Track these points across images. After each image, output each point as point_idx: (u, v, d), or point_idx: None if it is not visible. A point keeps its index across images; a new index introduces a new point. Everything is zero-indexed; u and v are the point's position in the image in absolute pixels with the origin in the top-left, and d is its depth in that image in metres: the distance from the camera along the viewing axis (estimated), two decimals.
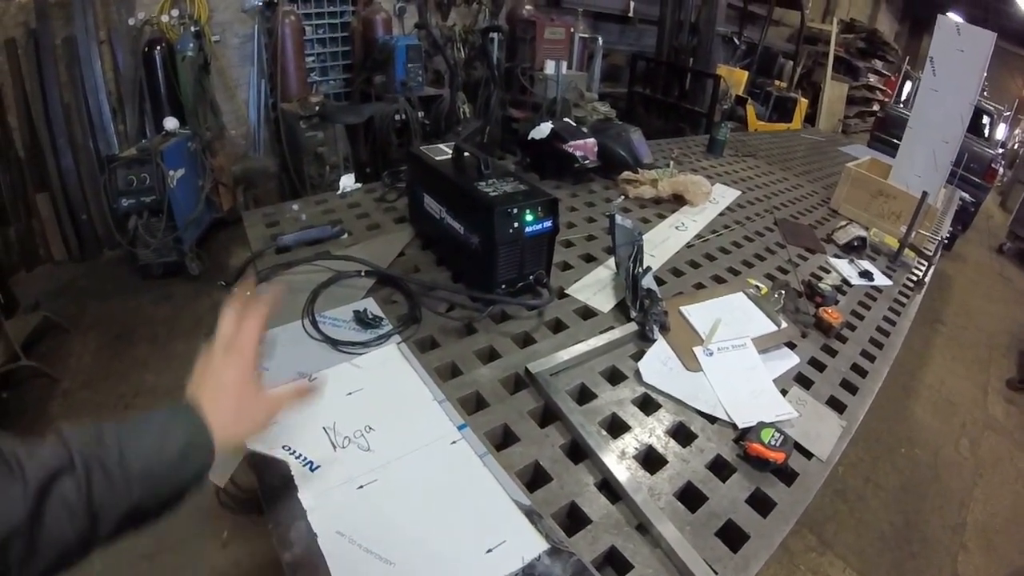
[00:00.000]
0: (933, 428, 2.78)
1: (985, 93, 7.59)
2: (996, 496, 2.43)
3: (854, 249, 1.62)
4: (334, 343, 0.90)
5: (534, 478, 0.75)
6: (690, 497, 0.74)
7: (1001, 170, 7.06)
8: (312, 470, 0.68)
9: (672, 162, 1.95)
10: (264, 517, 0.63)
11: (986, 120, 6.25)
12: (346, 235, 1.26)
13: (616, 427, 0.84)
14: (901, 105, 7.95)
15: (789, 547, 1.91)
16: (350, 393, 0.80)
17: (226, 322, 0.58)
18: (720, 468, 0.80)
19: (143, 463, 0.44)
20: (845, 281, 1.43)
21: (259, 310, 0.59)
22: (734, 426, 0.86)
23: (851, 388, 1.03)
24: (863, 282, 1.44)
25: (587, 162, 1.69)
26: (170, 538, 1.61)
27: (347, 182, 1.50)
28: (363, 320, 0.96)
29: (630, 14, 5.95)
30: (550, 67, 4.01)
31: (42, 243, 2.92)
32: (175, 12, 3.05)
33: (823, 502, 2.13)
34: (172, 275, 2.82)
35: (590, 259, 1.30)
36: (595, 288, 1.16)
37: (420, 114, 3.46)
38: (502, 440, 0.79)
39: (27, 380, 2.08)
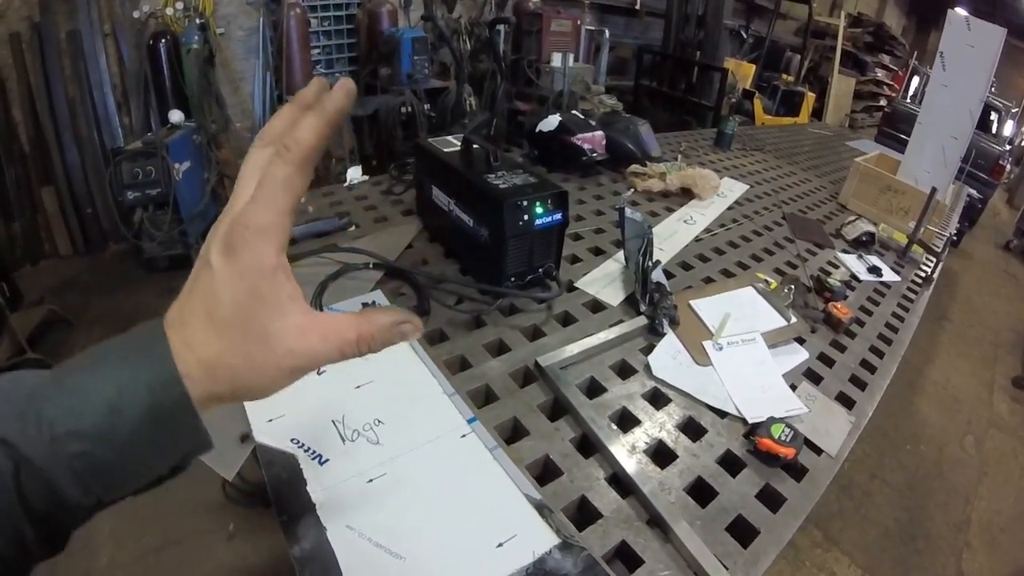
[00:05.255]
0: (938, 425, 2.78)
1: (993, 89, 7.53)
2: (1000, 494, 2.43)
3: (863, 244, 1.61)
4: None
5: (544, 472, 0.74)
6: (700, 492, 0.74)
7: (1008, 167, 7.02)
8: (321, 464, 0.67)
9: (680, 155, 1.94)
10: (270, 510, 0.63)
11: (994, 116, 6.22)
12: (353, 227, 1.25)
13: (626, 421, 0.84)
14: (908, 100, 7.88)
15: (795, 543, 1.90)
16: (359, 386, 0.79)
17: (276, 122, 0.36)
18: (730, 463, 0.79)
19: (89, 459, 0.30)
20: (854, 276, 1.42)
21: (331, 100, 0.35)
22: (744, 421, 0.85)
23: (860, 384, 1.03)
24: (872, 277, 1.43)
25: (595, 155, 1.67)
26: (176, 532, 1.62)
27: (354, 174, 1.49)
28: None
29: (636, 7, 5.92)
30: (556, 60, 3.99)
31: (47, 237, 2.93)
32: (180, 5, 3.04)
33: (829, 498, 2.13)
34: (178, 268, 2.82)
35: (599, 252, 1.29)
36: (604, 281, 1.16)
37: (426, 107, 3.45)
38: (512, 434, 0.79)
39: None
